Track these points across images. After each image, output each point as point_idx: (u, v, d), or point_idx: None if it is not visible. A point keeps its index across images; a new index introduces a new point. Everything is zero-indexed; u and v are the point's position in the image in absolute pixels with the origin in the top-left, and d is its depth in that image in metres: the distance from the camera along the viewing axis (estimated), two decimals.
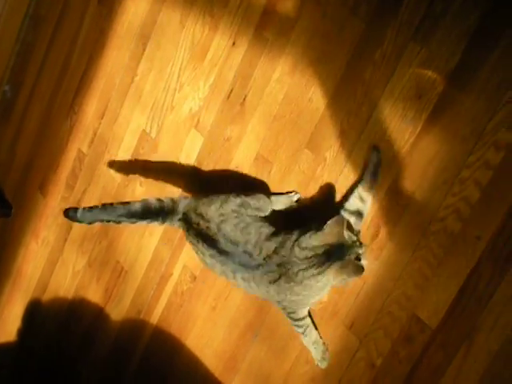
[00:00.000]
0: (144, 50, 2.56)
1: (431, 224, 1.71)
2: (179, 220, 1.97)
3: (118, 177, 2.61)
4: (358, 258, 1.66)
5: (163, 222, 1.97)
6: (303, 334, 1.86)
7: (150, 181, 2.47)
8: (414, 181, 1.75)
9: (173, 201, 1.98)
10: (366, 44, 1.88)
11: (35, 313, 3.06)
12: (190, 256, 2.29)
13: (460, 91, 1.69)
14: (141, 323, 2.46)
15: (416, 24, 1.78)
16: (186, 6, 2.39)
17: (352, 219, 1.78)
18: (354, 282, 1.81)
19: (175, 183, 2.37)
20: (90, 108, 2.77)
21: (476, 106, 1.66)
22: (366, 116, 1.86)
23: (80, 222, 1.96)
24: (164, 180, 2.41)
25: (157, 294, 2.41)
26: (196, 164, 2.30)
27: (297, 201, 1.97)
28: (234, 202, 1.87)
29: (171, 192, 2.37)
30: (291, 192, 1.98)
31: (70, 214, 1.96)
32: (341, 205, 1.83)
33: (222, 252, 1.80)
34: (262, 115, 2.11)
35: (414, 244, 1.73)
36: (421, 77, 1.76)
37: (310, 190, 1.96)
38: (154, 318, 2.41)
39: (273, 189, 2.04)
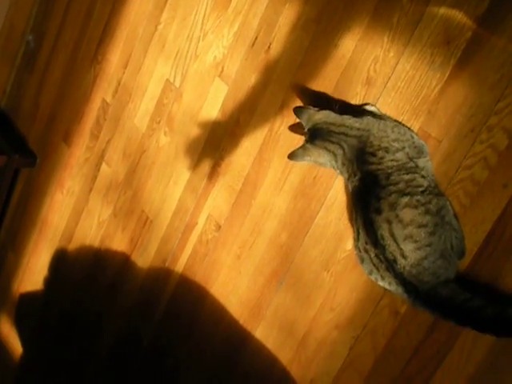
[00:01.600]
0: None
1: (458, 172, 1.70)
2: None
3: (142, 126, 2.61)
4: None
5: None
6: None
7: (175, 130, 2.47)
8: (441, 128, 1.73)
9: None
10: None
11: (61, 262, 3.09)
12: (214, 205, 2.30)
13: (489, 37, 1.66)
14: (166, 272, 2.48)
15: None
16: None
17: None
18: None
19: (200, 132, 2.37)
20: (114, 57, 2.76)
21: (505, 52, 1.63)
22: (393, 62, 1.84)
23: None
24: (189, 129, 2.41)
25: (182, 243, 2.42)
26: (221, 112, 2.29)
27: None
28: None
29: (196, 142, 2.37)
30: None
31: None
32: None
33: None
34: (288, 63, 2.10)
35: None
36: (449, 22, 1.73)
37: None
38: (179, 267, 2.43)
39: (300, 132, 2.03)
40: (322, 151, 1.82)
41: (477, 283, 1.65)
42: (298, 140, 2.00)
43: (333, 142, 1.79)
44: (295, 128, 2.05)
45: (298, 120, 1.98)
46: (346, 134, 1.77)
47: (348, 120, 1.78)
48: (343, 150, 1.76)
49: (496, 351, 1.61)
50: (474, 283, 1.65)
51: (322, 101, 1.99)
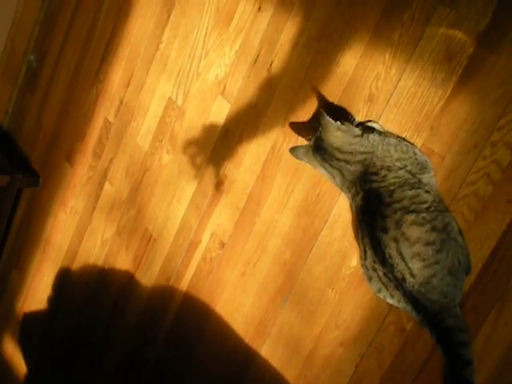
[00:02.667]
0: (169, 17, 2.55)
1: (462, 188, 1.70)
2: None
3: (144, 145, 2.62)
4: None
5: None
6: None
7: (177, 149, 2.47)
8: (444, 144, 1.74)
9: None
10: (394, 6, 1.85)
11: (65, 281, 3.09)
12: (218, 223, 2.30)
13: (490, 53, 1.67)
14: (170, 290, 2.48)
15: None
16: None
17: None
18: None
19: (202, 151, 2.37)
20: (116, 76, 2.77)
21: (506, 68, 1.64)
22: (395, 79, 1.84)
23: None
24: (191, 148, 2.41)
25: (186, 262, 2.42)
26: (223, 131, 2.30)
27: None
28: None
29: (199, 159, 2.37)
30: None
31: None
32: None
33: None
34: (289, 80, 2.10)
35: None
36: (450, 39, 1.74)
37: None
38: (184, 285, 2.42)
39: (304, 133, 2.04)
40: (318, 166, 1.86)
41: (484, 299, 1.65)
42: (303, 137, 2.02)
43: (333, 167, 1.81)
44: (296, 127, 2.07)
45: (300, 139, 1.99)
46: (348, 162, 1.77)
47: (354, 146, 1.77)
48: (342, 175, 1.78)
49: (501, 368, 1.61)
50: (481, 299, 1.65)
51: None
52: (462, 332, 1.61)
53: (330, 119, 1.81)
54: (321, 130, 1.84)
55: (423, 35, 1.78)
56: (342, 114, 1.92)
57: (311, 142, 1.88)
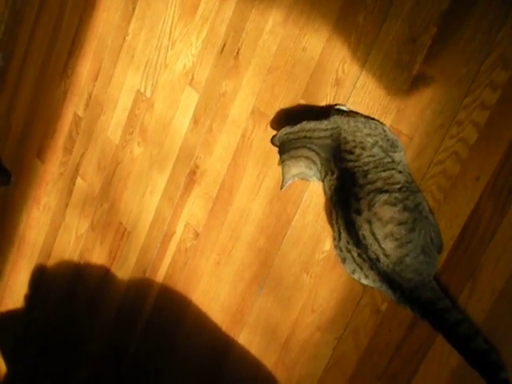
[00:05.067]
0: (134, 9, 2.54)
1: (430, 167, 1.71)
2: None
3: (115, 138, 2.61)
4: None
5: None
6: None
7: (148, 140, 2.46)
8: (411, 125, 1.75)
9: None
10: None
11: (41, 279, 3.07)
12: (191, 213, 2.30)
13: (454, 32, 1.68)
14: (147, 283, 2.48)
15: None
16: None
17: None
18: None
19: (173, 141, 2.37)
20: (84, 71, 2.76)
21: (470, 46, 1.65)
22: (360, 62, 1.85)
23: None
24: (162, 139, 2.41)
25: (161, 253, 2.42)
26: (192, 120, 2.29)
27: None
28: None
29: (170, 151, 2.37)
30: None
31: None
32: None
33: None
34: (257, 68, 2.10)
35: None
36: (414, 20, 1.75)
37: None
38: (160, 277, 2.42)
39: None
40: (290, 163, 1.82)
41: (457, 276, 1.67)
42: (272, 146, 2.01)
43: (296, 148, 1.79)
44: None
45: (269, 127, 2.00)
46: (309, 138, 1.77)
47: (307, 124, 1.78)
48: (314, 151, 1.76)
49: None
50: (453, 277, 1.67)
51: (293, 106, 2.00)
52: (441, 300, 1.62)
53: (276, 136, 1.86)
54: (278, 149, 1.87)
55: (387, 17, 1.79)
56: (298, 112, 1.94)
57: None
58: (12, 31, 3.23)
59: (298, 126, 1.80)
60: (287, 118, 2.00)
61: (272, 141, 1.88)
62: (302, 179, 1.88)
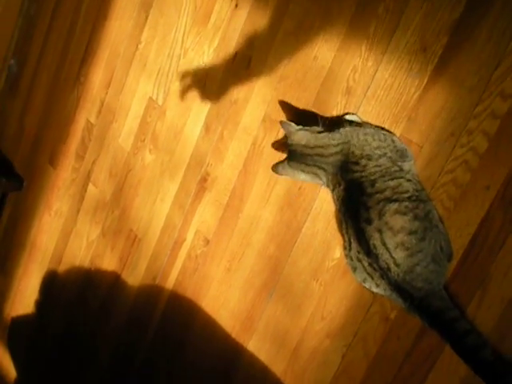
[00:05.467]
0: (147, 17, 2.56)
1: (441, 176, 1.71)
2: None
3: (127, 145, 2.62)
4: None
5: None
6: None
7: (160, 148, 2.48)
8: (421, 134, 1.75)
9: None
10: None
11: (52, 284, 3.09)
12: (202, 220, 2.31)
13: (465, 42, 1.68)
14: (157, 289, 2.49)
15: None
16: None
17: None
18: None
19: (184, 149, 2.38)
20: (96, 78, 2.78)
21: (481, 56, 1.66)
22: (371, 71, 1.86)
23: None
24: (173, 146, 2.42)
25: (171, 260, 2.43)
26: (204, 128, 2.31)
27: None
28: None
29: (181, 158, 2.38)
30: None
31: None
32: None
33: None
34: (268, 76, 2.12)
35: None
36: (425, 29, 1.76)
37: None
38: (170, 284, 2.43)
39: (283, 149, 2.04)
40: (297, 172, 1.85)
41: (466, 285, 1.67)
42: (282, 152, 2.03)
43: (308, 165, 1.81)
44: (278, 145, 2.07)
45: (280, 133, 2.01)
46: (321, 155, 1.78)
47: (323, 139, 1.79)
48: (323, 169, 1.78)
49: None
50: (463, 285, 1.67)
51: (304, 113, 2.01)
52: (450, 310, 1.62)
53: (288, 122, 1.86)
54: (287, 138, 1.87)
55: (398, 26, 1.80)
56: (312, 119, 1.94)
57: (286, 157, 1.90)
58: (26, 37, 3.25)
59: (315, 139, 1.80)
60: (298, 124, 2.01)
61: (283, 126, 1.90)
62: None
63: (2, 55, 3.34)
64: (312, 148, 1.79)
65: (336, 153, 1.76)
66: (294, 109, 2.05)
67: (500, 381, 1.54)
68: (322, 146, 1.78)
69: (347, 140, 1.74)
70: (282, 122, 1.90)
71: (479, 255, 1.64)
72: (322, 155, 1.78)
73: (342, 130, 1.78)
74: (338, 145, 1.76)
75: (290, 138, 1.85)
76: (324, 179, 1.80)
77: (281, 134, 2.05)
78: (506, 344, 1.59)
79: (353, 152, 1.73)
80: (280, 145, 2.07)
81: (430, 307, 1.62)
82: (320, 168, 1.79)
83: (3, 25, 3.33)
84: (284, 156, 1.91)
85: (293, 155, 1.85)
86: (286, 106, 2.06)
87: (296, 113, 2.04)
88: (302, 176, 1.85)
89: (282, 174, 1.92)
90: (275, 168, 1.91)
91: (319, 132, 1.81)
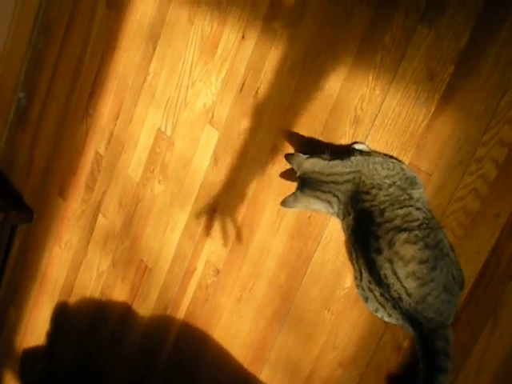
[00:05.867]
0: (154, 49, 2.58)
1: (450, 204, 1.72)
2: None
3: (136, 176, 2.63)
4: None
5: None
6: None
7: (169, 178, 2.49)
8: (430, 162, 1.76)
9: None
10: (375, 29, 1.88)
11: (63, 315, 3.09)
12: (211, 250, 2.31)
13: (471, 70, 1.69)
14: (168, 319, 2.49)
15: (423, 7, 1.78)
16: (193, 2, 2.41)
17: None
18: None
19: (193, 179, 2.39)
20: (105, 109, 2.80)
21: (488, 83, 1.66)
22: (379, 100, 1.87)
23: None
24: (182, 176, 2.43)
25: (182, 290, 2.43)
26: (213, 158, 2.32)
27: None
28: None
29: (190, 188, 2.39)
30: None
31: None
32: None
33: None
34: (276, 106, 2.13)
35: None
36: (431, 58, 1.77)
37: None
38: (181, 314, 2.43)
39: (292, 179, 2.04)
40: (312, 199, 1.83)
41: (478, 313, 1.67)
42: (291, 182, 2.03)
43: (324, 192, 1.80)
44: (287, 175, 2.08)
45: (288, 164, 2.01)
46: (336, 182, 1.78)
47: (336, 167, 1.78)
48: (337, 197, 1.77)
49: (499, 381, 1.61)
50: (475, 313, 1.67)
51: (312, 143, 2.02)
52: (446, 357, 1.63)
53: (294, 153, 1.88)
54: (297, 169, 1.87)
55: (405, 55, 1.81)
56: (319, 148, 1.95)
57: (297, 184, 1.90)
58: (35, 70, 3.28)
59: (328, 167, 1.81)
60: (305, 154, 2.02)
61: (288, 159, 1.90)
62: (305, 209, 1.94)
63: (12, 88, 3.37)
64: (327, 176, 1.79)
65: (347, 181, 1.76)
66: (301, 138, 2.05)
67: None
68: (336, 174, 1.78)
69: (358, 169, 1.75)
70: (287, 156, 1.90)
71: (490, 283, 1.64)
72: (336, 182, 1.78)
73: (352, 158, 1.78)
74: (349, 173, 1.76)
75: (300, 168, 1.85)
76: (335, 208, 1.79)
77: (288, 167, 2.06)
78: None
79: (363, 181, 1.73)
80: (287, 175, 2.07)
81: (433, 344, 1.62)
82: (334, 196, 1.78)
83: (12, 57, 3.36)
84: (293, 186, 1.91)
85: (307, 183, 1.84)
86: (293, 135, 2.07)
87: (304, 142, 2.05)
88: (315, 205, 1.84)
89: (292, 207, 1.90)
90: (285, 202, 1.88)
91: (330, 160, 1.81)
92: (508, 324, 1.62)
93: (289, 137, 2.08)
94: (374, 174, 1.73)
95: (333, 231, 1.96)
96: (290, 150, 2.07)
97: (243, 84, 2.23)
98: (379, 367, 1.85)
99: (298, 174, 1.87)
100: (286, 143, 2.09)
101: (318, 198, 1.81)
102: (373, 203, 1.70)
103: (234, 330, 2.24)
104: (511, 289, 1.62)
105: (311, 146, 2.01)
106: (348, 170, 1.76)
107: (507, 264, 1.62)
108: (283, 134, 2.10)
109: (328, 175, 1.79)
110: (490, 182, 1.64)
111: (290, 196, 1.87)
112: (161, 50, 2.55)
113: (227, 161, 2.27)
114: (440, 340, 1.62)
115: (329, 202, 1.79)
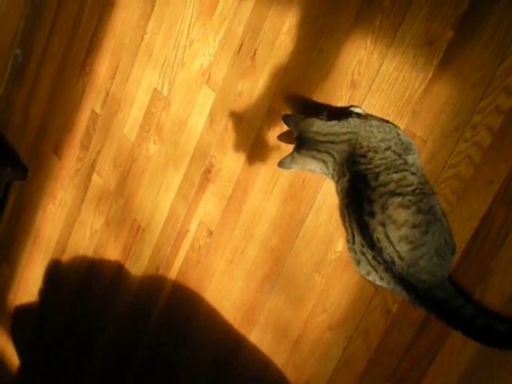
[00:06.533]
0: (153, 8, 2.56)
1: (444, 170, 1.71)
2: None
3: (131, 136, 2.63)
4: None
5: None
6: None
7: (164, 138, 2.48)
8: (425, 128, 1.75)
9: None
10: None
11: (55, 273, 3.10)
12: (205, 211, 2.31)
13: (470, 37, 1.68)
14: (160, 279, 2.50)
15: None
16: None
17: None
18: None
19: (188, 140, 2.38)
20: (102, 68, 2.78)
21: (486, 51, 1.65)
22: (376, 65, 1.86)
23: None
24: (177, 137, 2.43)
25: (174, 251, 2.44)
26: (209, 120, 2.31)
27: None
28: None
29: (185, 149, 2.39)
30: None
31: None
32: None
33: None
34: (273, 68, 2.12)
35: None
36: (430, 24, 1.75)
37: None
38: (173, 274, 2.44)
39: (288, 141, 2.04)
40: (308, 160, 1.82)
41: (467, 280, 1.67)
42: (286, 145, 2.03)
43: (320, 151, 1.79)
44: (283, 137, 2.07)
45: (284, 125, 2.00)
46: (333, 142, 1.77)
47: (333, 127, 1.78)
48: (333, 157, 1.76)
49: (486, 348, 1.62)
50: (464, 280, 1.67)
51: (309, 105, 2.01)
52: (455, 298, 1.62)
53: (291, 114, 1.90)
54: (294, 130, 1.86)
55: (404, 20, 1.80)
56: (315, 110, 1.94)
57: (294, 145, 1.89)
58: (32, 27, 3.26)
59: (325, 127, 1.80)
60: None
61: (286, 120, 1.90)
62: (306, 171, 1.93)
63: (8, 44, 3.35)
64: (324, 135, 1.79)
65: (344, 141, 1.75)
66: (298, 101, 2.05)
67: None
68: (333, 134, 1.77)
69: (355, 130, 1.74)
70: (284, 117, 1.90)
71: (481, 250, 1.65)
72: (333, 142, 1.77)
73: (350, 119, 1.77)
74: (346, 133, 1.75)
75: (297, 128, 1.84)
76: (330, 168, 1.78)
77: (285, 125, 2.05)
78: None
79: (360, 143, 1.72)
80: (285, 137, 2.07)
81: (435, 298, 1.62)
82: (331, 155, 1.77)
83: (10, 14, 3.34)
84: (288, 149, 1.91)
85: (303, 142, 1.83)
86: (290, 98, 2.07)
87: (300, 105, 2.04)
88: (311, 165, 1.82)
89: (289, 168, 1.88)
90: (282, 163, 1.88)
91: (327, 121, 1.80)
92: (496, 292, 1.62)
93: (285, 99, 2.07)
94: (370, 136, 1.72)
95: (326, 195, 1.96)
96: (287, 112, 2.05)
97: (241, 45, 2.22)
98: (368, 331, 1.86)
99: (295, 135, 1.87)
100: (282, 106, 2.08)
101: (314, 157, 1.81)
102: (368, 166, 1.70)
103: (225, 291, 2.25)
104: (501, 257, 1.62)
105: (308, 109, 2.00)
106: (345, 130, 1.76)
107: (498, 232, 1.62)
108: (280, 97, 2.09)
109: (325, 135, 1.78)
110: (484, 149, 1.64)
111: (286, 157, 1.86)
112: (159, 9, 2.53)
113: (223, 122, 2.26)
114: (439, 292, 1.62)
115: (324, 162, 1.79)
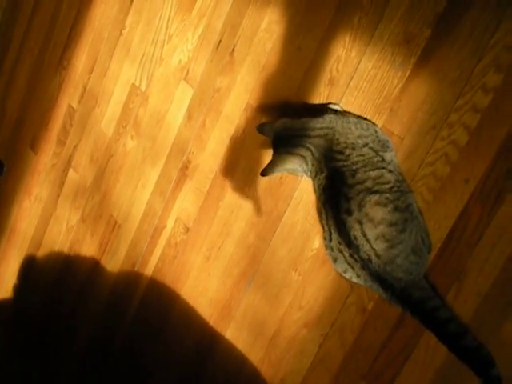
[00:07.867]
0: (132, 2, 2.55)
1: (421, 168, 1.72)
2: None
3: (108, 131, 2.61)
4: None
5: None
6: None
7: (142, 134, 2.47)
8: (403, 126, 1.75)
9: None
10: None
11: (30, 269, 3.08)
12: (182, 208, 2.31)
13: (448, 35, 1.69)
14: (136, 276, 2.48)
15: None
16: None
17: None
18: None
19: (166, 135, 2.37)
20: (79, 63, 2.76)
21: (464, 49, 1.66)
22: (355, 62, 1.86)
23: None
24: (155, 133, 2.41)
25: (151, 247, 2.43)
26: (186, 115, 2.30)
27: None
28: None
29: (163, 145, 2.37)
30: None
31: None
32: None
33: None
34: (251, 65, 2.11)
35: None
36: (408, 21, 1.76)
37: None
38: (149, 270, 2.43)
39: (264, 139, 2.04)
40: (287, 157, 1.79)
41: (443, 278, 1.68)
42: (264, 140, 2.02)
43: (296, 146, 1.77)
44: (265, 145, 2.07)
45: (262, 120, 2.00)
46: (308, 136, 1.76)
47: (308, 123, 1.77)
48: (310, 151, 1.76)
49: None
50: (440, 279, 1.68)
51: (287, 102, 2.01)
52: (431, 299, 1.63)
53: (264, 123, 1.90)
54: (269, 135, 1.86)
55: (382, 18, 1.80)
56: (293, 108, 1.94)
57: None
58: (10, 20, 3.23)
59: (299, 122, 1.80)
60: (280, 115, 2.01)
61: (260, 129, 1.90)
62: (290, 173, 1.90)
63: None
64: (298, 130, 1.78)
65: (320, 136, 1.74)
66: (276, 98, 2.04)
67: (484, 366, 1.56)
68: (307, 129, 1.77)
69: (331, 126, 1.73)
70: (258, 127, 1.90)
71: (456, 249, 1.65)
72: (308, 136, 1.75)
73: (326, 116, 1.77)
74: (321, 128, 1.74)
75: (272, 131, 1.84)
76: (309, 164, 1.77)
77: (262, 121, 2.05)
78: (481, 338, 1.60)
79: (337, 139, 1.72)
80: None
81: (411, 297, 1.62)
82: (308, 149, 1.75)
83: None
84: (265, 143, 1.91)
85: (279, 142, 1.82)
86: (268, 95, 2.06)
87: (278, 102, 2.04)
88: (291, 162, 1.79)
89: (272, 173, 1.82)
90: (264, 171, 1.81)
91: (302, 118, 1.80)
92: (471, 290, 1.63)
93: (263, 96, 2.07)
94: (347, 132, 1.72)
95: (303, 192, 1.96)
96: (264, 109, 2.05)
97: (220, 41, 2.21)
98: (343, 328, 1.86)
99: (271, 141, 1.86)
100: (260, 102, 2.07)
101: (291, 153, 1.78)
102: (345, 163, 1.69)
103: (202, 288, 2.24)
104: (476, 255, 1.62)
105: (286, 106, 2.00)
106: (320, 125, 1.75)
107: (473, 230, 1.62)
108: (258, 93, 2.08)
109: (299, 130, 1.78)
110: (461, 147, 1.65)
111: (267, 165, 1.83)
112: (138, 3, 2.52)
113: (201, 118, 2.26)
114: (416, 291, 1.62)
115: (303, 157, 1.77)
